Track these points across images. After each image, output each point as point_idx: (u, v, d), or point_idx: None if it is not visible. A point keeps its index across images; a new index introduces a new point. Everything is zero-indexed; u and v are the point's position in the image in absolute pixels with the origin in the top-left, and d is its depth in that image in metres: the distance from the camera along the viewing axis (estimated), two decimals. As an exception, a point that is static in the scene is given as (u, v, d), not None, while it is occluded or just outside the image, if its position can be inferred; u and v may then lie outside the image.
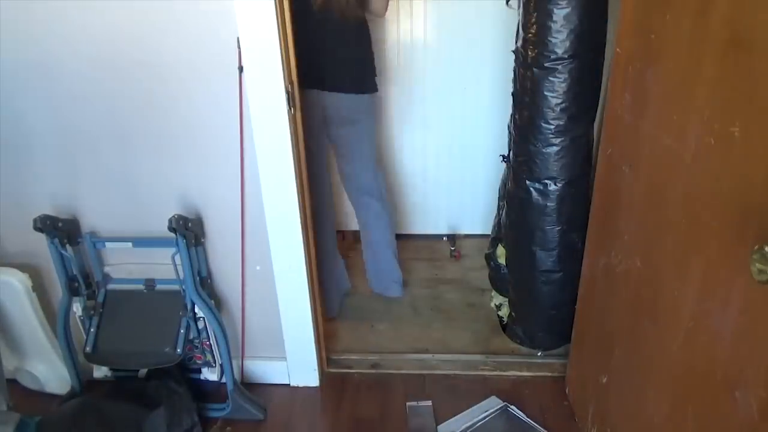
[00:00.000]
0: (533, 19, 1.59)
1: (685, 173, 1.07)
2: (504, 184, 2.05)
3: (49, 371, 1.90)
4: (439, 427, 1.79)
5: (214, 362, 1.84)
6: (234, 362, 1.87)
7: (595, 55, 1.62)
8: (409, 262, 2.69)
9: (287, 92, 1.56)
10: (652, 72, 1.21)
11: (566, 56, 1.58)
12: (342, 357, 2.09)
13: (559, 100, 1.64)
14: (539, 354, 2.07)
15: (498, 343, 2.15)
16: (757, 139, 0.84)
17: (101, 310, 1.77)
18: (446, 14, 2.47)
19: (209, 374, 1.88)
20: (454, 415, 1.83)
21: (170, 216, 1.58)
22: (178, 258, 1.64)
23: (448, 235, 2.89)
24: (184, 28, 1.49)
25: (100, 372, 1.87)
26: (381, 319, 2.30)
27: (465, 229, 2.90)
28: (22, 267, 1.76)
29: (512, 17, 1.83)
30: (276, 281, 1.81)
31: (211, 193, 1.71)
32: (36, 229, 1.61)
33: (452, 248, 2.77)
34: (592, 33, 1.59)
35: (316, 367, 1.97)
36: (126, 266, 1.79)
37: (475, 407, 1.86)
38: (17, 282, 1.73)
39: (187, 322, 1.73)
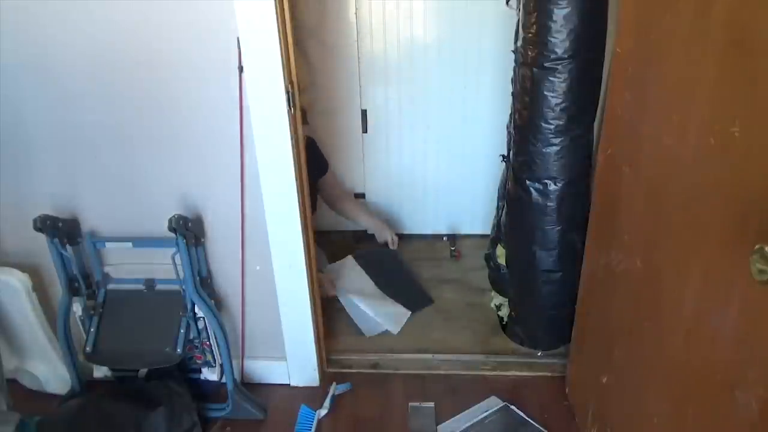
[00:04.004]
0: (533, 19, 1.59)
1: (685, 173, 1.07)
2: (504, 184, 2.05)
3: (49, 371, 1.90)
4: (439, 426, 1.79)
5: (214, 362, 1.84)
6: (234, 362, 1.87)
7: (595, 55, 1.62)
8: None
9: (287, 92, 1.56)
10: (652, 72, 1.21)
11: (566, 56, 1.58)
12: (342, 357, 2.09)
13: (559, 100, 1.63)
14: (539, 354, 2.07)
15: (498, 343, 2.15)
16: (757, 139, 0.84)
17: (101, 310, 1.76)
18: (446, 14, 2.46)
19: (209, 374, 1.88)
20: (455, 415, 1.83)
21: (170, 216, 1.58)
22: (178, 258, 1.64)
23: (448, 235, 2.88)
24: (184, 28, 1.49)
25: (100, 372, 1.87)
26: (381, 319, 2.30)
27: (465, 229, 2.90)
28: (22, 267, 1.76)
29: (512, 17, 1.83)
30: (276, 281, 1.81)
31: (211, 193, 1.71)
32: (36, 229, 1.61)
33: (452, 248, 2.77)
34: (592, 33, 1.59)
35: (316, 367, 1.97)
36: (126, 266, 1.79)
37: (475, 407, 1.86)
38: (17, 282, 1.73)
39: (187, 322, 1.72)
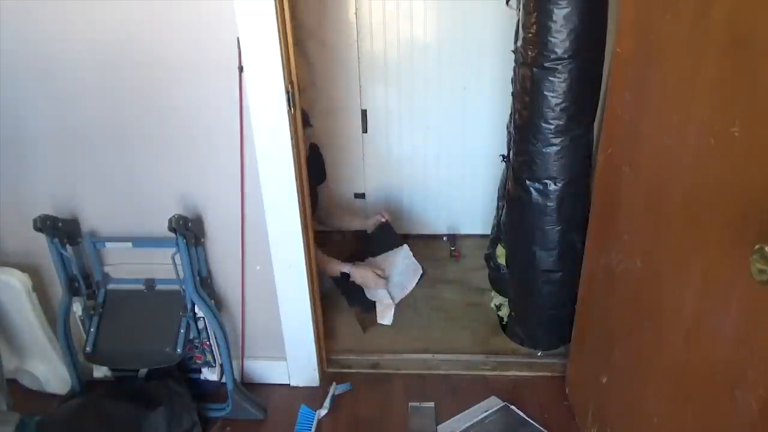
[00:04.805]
0: (533, 19, 1.59)
1: (685, 173, 1.07)
2: (504, 184, 2.05)
3: (49, 371, 1.90)
4: (439, 426, 1.79)
5: (214, 362, 1.84)
6: (234, 362, 1.87)
7: (595, 55, 1.62)
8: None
9: (287, 92, 1.56)
10: (652, 72, 1.21)
11: (566, 56, 1.58)
12: (342, 357, 2.09)
13: (559, 100, 1.63)
14: (539, 354, 2.07)
15: (498, 343, 2.15)
16: (757, 139, 0.84)
17: (101, 310, 1.77)
18: (446, 14, 2.46)
19: (209, 374, 1.88)
20: (454, 415, 1.83)
21: (170, 216, 1.58)
22: (178, 258, 1.64)
23: (448, 235, 2.88)
24: (184, 28, 1.49)
25: (100, 372, 1.87)
26: (381, 319, 2.30)
27: (465, 229, 2.90)
28: (22, 267, 1.76)
29: (512, 17, 1.83)
30: (276, 281, 1.81)
31: (211, 193, 1.71)
32: (36, 229, 1.61)
33: (452, 248, 2.77)
34: (592, 33, 1.59)
35: (316, 367, 1.97)
36: (126, 266, 1.79)
37: (475, 407, 1.86)
38: (17, 282, 1.73)
39: (187, 322, 1.73)
